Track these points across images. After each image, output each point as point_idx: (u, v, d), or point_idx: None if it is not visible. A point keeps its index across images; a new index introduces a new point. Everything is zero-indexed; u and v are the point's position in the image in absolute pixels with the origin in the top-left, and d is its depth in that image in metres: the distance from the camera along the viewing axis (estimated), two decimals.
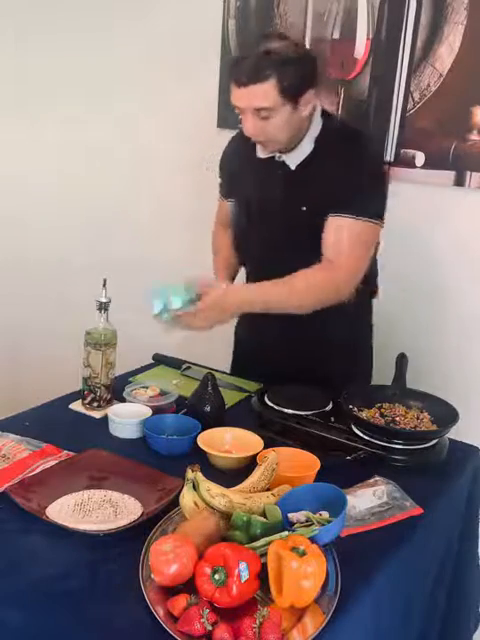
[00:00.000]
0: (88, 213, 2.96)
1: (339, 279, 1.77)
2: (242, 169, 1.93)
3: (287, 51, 1.66)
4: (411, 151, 2.20)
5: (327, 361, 1.91)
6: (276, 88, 1.65)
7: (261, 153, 1.85)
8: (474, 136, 2.10)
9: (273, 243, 1.87)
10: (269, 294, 1.78)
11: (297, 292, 1.76)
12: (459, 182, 2.15)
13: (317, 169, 1.78)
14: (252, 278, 1.99)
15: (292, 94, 1.67)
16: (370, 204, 1.77)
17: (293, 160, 1.80)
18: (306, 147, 1.79)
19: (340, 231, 1.75)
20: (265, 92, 1.65)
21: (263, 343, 1.98)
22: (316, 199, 1.77)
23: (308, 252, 1.78)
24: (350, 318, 1.90)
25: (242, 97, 1.68)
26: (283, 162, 1.82)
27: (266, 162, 1.84)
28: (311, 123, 1.78)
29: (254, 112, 1.68)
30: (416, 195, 2.20)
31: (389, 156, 2.23)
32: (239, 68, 1.68)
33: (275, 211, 1.84)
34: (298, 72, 1.67)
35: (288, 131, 1.74)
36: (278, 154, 1.81)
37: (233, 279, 2.03)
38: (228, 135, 2.36)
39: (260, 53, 1.65)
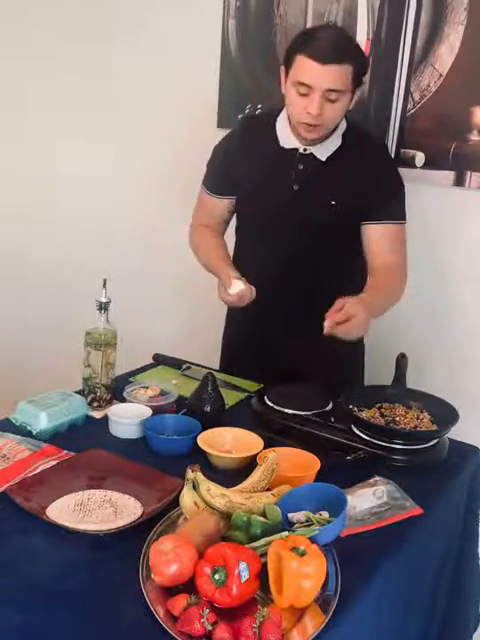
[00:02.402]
0: (89, 212, 2.96)
1: (404, 284, 1.88)
2: (256, 161, 1.88)
3: (355, 41, 1.71)
4: (411, 151, 2.20)
5: (319, 362, 1.90)
6: (352, 73, 1.64)
7: (289, 143, 1.82)
8: (474, 136, 2.10)
9: (294, 237, 1.86)
10: (379, 301, 1.80)
11: (388, 300, 1.84)
12: (459, 182, 2.15)
13: (347, 164, 1.81)
14: (256, 270, 1.93)
15: (357, 82, 1.69)
16: (403, 207, 1.88)
17: (323, 152, 1.81)
18: (336, 140, 1.81)
19: (391, 239, 1.86)
20: (343, 74, 1.63)
21: (255, 344, 1.98)
22: (347, 195, 1.80)
23: (332, 244, 1.84)
24: None
25: (319, 75, 1.62)
26: (311, 154, 1.82)
27: (289, 154, 1.83)
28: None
29: (324, 93, 1.65)
30: (416, 195, 2.20)
31: None
32: (319, 43, 1.62)
33: (300, 204, 1.84)
34: (365, 61, 1.72)
35: (340, 119, 1.75)
36: (303, 147, 1.81)
37: None
38: None
39: (339, 35, 1.67)
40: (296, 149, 1.82)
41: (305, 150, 1.81)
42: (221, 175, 1.96)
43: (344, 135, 1.82)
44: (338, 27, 1.76)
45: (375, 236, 1.85)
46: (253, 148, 1.89)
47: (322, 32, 1.69)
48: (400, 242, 1.88)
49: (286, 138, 1.83)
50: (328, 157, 1.81)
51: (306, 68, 1.63)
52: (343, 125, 1.82)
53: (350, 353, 2.00)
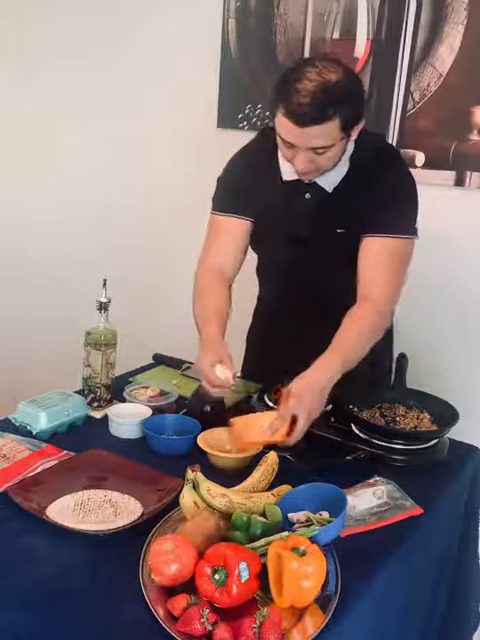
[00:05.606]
0: (89, 212, 2.96)
1: (384, 318, 1.66)
2: (262, 188, 1.75)
3: (346, 83, 1.50)
4: (411, 151, 2.20)
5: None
6: (338, 126, 1.51)
7: (290, 176, 1.69)
8: (474, 136, 2.10)
9: (305, 265, 1.76)
10: (347, 357, 1.56)
11: (362, 346, 1.61)
12: (459, 182, 2.15)
13: (354, 188, 1.68)
14: (272, 301, 1.91)
15: (350, 127, 1.56)
16: (403, 219, 1.69)
17: (329, 182, 1.68)
18: (343, 168, 1.67)
19: (380, 256, 1.65)
20: (327, 131, 1.51)
21: (283, 349, 1.87)
22: (354, 219, 1.68)
23: (346, 268, 1.70)
24: None
25: (299, 136, 1.52)
26: (315, 184, 1.69)
27: (292, 184, 1.71)
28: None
29: (309, 149, 1.54)
30: None
31: None
32: (296, 101, 1.47)
33: (309, 230, 1.72)
34: (357, 105, 1.55)
35: (336, 160, 1.63)
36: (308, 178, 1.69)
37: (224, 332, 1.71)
38: (228, 135, 2.37)
39: (319, 87, 1.47)
40: (300, 180, 1.69)
41: (309, 180, 1.69)
42: (237, 192, 1.79)
43: (353, 156, 1.68)
44: (323, 72, 1.47)
45: (362, 252, 1.67)
46: (264, 175, 1.76)
47: (302, 83, 1.47)
48: (392, 261, 1.66)
49: (286, 171, 1.70)
50: (335, 187, 1.69)
51: (286, 128, 1.52)
52: (350, 149, 1.66)
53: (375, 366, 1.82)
